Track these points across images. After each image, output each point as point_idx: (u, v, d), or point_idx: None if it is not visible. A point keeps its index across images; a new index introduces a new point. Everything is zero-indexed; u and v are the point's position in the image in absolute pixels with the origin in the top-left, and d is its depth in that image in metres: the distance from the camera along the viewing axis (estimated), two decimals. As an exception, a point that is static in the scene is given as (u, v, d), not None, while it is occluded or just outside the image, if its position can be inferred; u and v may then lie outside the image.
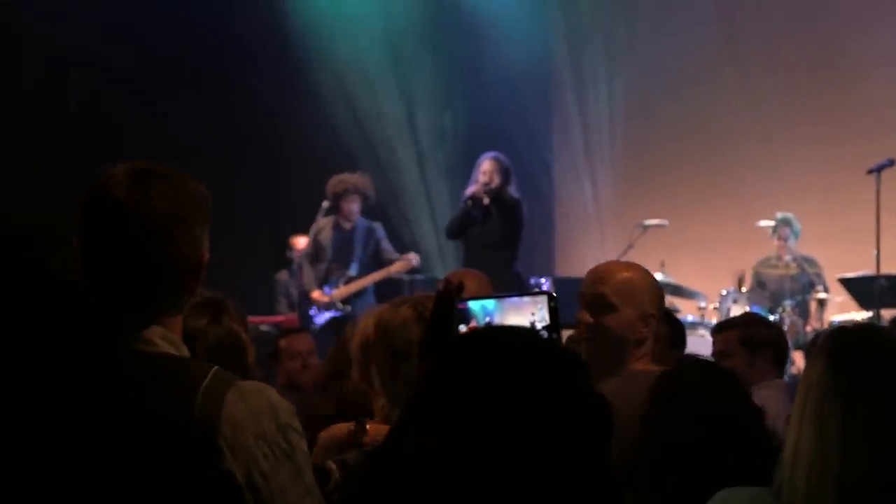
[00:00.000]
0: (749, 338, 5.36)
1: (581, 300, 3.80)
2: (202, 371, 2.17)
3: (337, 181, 10.62)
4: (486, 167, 9.97)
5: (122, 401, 2.15)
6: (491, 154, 10.07)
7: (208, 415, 2.10)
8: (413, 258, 10.74)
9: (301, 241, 11.44)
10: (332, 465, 2.94)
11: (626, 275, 3.80)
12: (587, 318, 3.76)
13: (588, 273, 3.84)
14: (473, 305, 2.67)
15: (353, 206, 10.59)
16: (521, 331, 2.11)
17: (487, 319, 2.69)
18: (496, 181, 9.87)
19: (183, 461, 2.10)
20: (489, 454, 1.85)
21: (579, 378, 1.95)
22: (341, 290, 10.56)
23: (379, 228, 10.82)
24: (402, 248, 11.21)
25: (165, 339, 2.21)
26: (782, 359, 5.49)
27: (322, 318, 10.41)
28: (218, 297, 3.35)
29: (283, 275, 11.78)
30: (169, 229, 2.20)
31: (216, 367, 2.19)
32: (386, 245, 10.80)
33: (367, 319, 4.36)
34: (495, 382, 1.89)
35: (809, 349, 2.76)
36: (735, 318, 6.19)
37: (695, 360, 3.41)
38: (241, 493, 2.11)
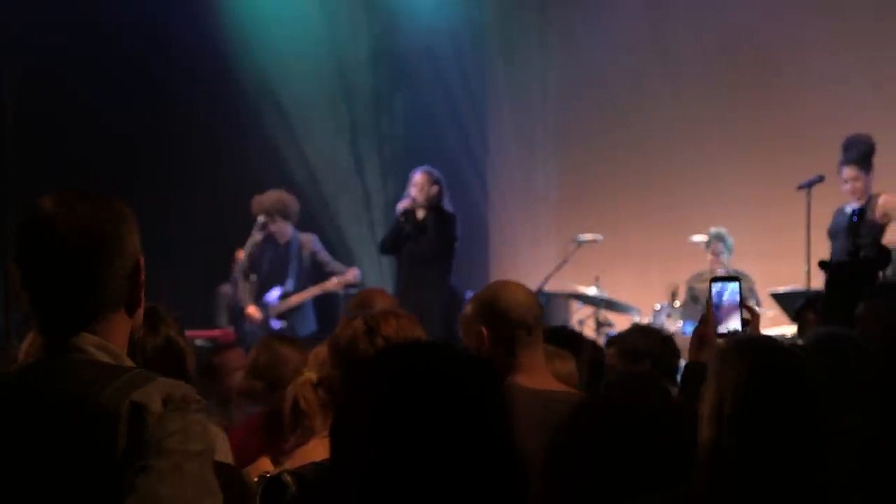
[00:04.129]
0: (631, 350, 5.51)
1: None
2: (121, 371, 2.25)
3: (255, 203, 10.56)
4: (417, 180, 9.92)
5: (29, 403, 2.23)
6: (423, 168, 10.03)
7: (112, 403, 2.17)
8: (353, 273, 10.68)
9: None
10: (289, 479, 2.93)
11: None
12: None
13: None
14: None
15: (278, 225, 10.53)
16: (434, 343, 2.15)
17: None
18: (428, 193, 9.85)
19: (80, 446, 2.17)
20: (409, 462, 1.88)
21: (491, 382, 1.99)
22: (278, 306, 10.50)
23: (314, 241, 10.73)
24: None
25: (100, 347, 2.29)
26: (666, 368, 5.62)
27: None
28: (153, 306, 3.36)
29: (225, 288, 11.69)
30: (98, 239, 2.30)
31: (139, 371, 2.26)
32: (324, 256, 10.71)
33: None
34: (411, 391, 1.92)
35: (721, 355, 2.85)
36: (620, 333, 6.31)
37: (625, 374, 3.48)
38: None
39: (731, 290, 3.64)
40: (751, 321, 3.65)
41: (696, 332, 3.67)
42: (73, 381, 2.22)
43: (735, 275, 10.69)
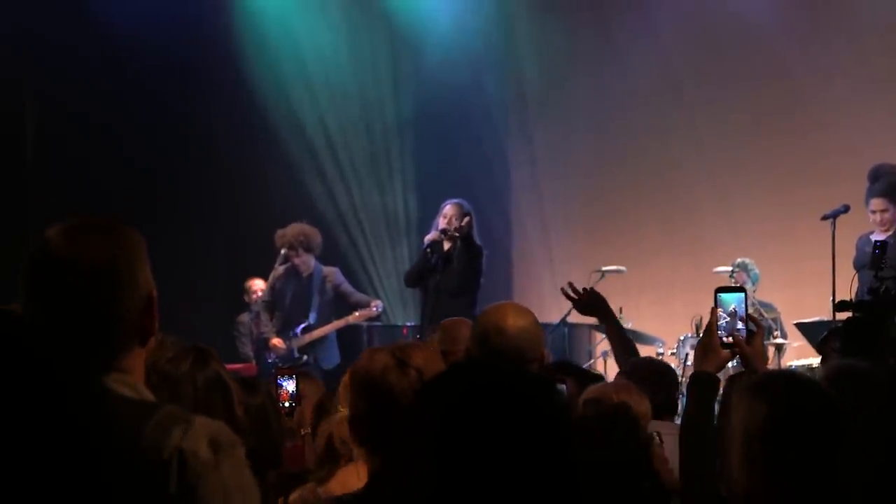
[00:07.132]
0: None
1: None
2: (152, 408, 2.20)
3: (278, 236, 10.61)
4: (447, 212, 9.89)
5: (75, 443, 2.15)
6: (453, 200, 10.01)
7: (154, 446, 2.12)
8: (375, 306, 10.69)
9: (257, 283, 11.40)
10: None
11: None
12: None
13: None
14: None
15: (301, 258, 10.57)
16: (490, 365, 2.12)
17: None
18: (459, 226, 9.81)
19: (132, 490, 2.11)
20: (476, 477, 1.87)
21: (554, 403, 1.98)
22: (301, 339, 10.51)
23: (336, 273, 10.77)
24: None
25: (119, 381, 2.25)
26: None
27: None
28: (196, 343, 3.34)
29: (244, 317, 11.70)
30: (109, 274, 2.26)
31: (168, 407, 2.21)
32: (347, 288, 10.77)
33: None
34: (474, 414, 1.91)
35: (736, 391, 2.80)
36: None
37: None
38: None
39: (737, 301, 3.65)
40: (756, 333, 3.66)
41: (700, 341, 3.68)
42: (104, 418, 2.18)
43: (743, 286, 10.66)
